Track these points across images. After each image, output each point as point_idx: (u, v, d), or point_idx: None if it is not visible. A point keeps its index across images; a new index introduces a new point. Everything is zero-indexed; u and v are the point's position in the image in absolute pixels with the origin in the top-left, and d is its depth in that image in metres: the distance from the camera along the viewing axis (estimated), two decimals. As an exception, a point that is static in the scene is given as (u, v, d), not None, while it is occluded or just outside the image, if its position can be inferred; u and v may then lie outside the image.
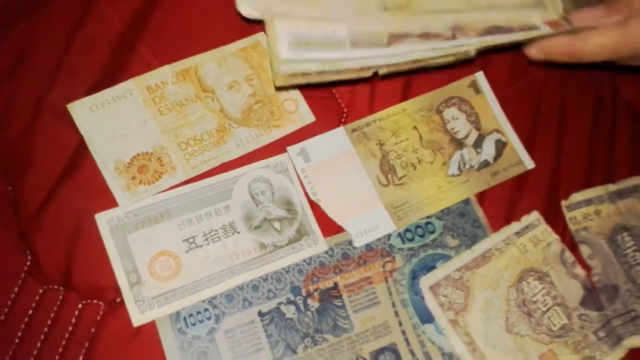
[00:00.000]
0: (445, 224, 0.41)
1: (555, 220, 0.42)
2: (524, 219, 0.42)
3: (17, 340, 0.35)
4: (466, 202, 0.42)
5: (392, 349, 0.38)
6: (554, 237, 0.42)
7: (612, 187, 0.44)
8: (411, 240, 0.40)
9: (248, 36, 0.43)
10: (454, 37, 0.35)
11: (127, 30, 0.41)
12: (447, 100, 0.44)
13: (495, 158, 0.43)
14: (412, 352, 0.38)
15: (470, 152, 0.43)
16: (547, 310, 0.40)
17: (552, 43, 0.39)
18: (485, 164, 0.43)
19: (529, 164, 0.44)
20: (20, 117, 0.39)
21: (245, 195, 0.39)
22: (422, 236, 0.40)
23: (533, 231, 0.42)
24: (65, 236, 0.36)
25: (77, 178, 0.37)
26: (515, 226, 0.42)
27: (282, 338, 0.36)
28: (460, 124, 0.44)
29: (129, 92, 0.39)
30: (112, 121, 0.38)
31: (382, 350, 0.37)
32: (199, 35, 0.42)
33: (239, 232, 0.38)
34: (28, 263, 0.36)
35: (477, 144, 0.43)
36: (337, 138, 0.42)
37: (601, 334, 0.40)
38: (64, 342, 0.35)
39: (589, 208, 0.43)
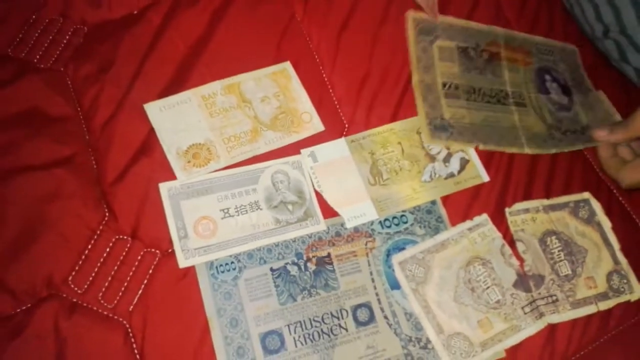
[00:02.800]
0: (415, 217, 0.52)
1: (500, 222, 0.53)
2: (476, 219, 0.53)
3: (91, 277, 0.46)
4: (433, 202, 0.53)
5: (367, 306, 0.49)
6: (497, 234, 0.52)
7: (546, 202, 0.55)
8: (389, 227, 0.52)
9: (277, 64, 0.55)
10: None
11: (190, 52, 0.53)
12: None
13: (459, 171, 0.55)
14: (382, 309, 0.49)
15: (440, 165, 0.55)
16: (487, 288, 0.50)
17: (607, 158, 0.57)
18: (451, 175, 0.55)
19: (485, 178, 0.55)
20: (105, 110, 0.50)
21: (268, 182, 0.50)
22: (397, 225, 0.52)
23: (482, 229, 0.52)
24: (136, 199, 0.48)
25: (147, 158, 0.49)
26: (468, 224, 0.52)
27: (286, 289, 0.47)
28: None
29: (188, 98, 0.51)
30: (175, 119, 0.50)
31: (360, 306, 0.48)
32: (242, 59, 0.54)
33: (261, 209, 0.49)
34: (106, 218, 0.47)
35: (446, 160, 0.55)
36: (339, 146, 0.53)
37: (527, 309, 0.50)
38: (128, 279, 0.46)
39: (526, 215, 0.54)
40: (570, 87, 0.63)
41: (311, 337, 0.47)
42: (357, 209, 0.51)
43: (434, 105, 0.55)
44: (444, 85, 0.57)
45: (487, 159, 0.56)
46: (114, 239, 0.47)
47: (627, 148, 0.57)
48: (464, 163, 0.55)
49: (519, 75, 0.61)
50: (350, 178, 0.53)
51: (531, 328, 0.50)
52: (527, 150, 0.57)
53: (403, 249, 0.51)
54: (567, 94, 0.62)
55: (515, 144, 0.56)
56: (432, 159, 0.55)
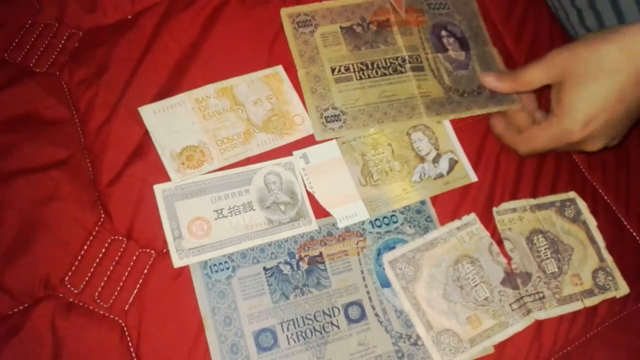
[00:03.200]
0: (405, 217, 0.53)
1: (488, 221, 0.54)
2: (464, 218, 0.54)
3: (87, 277, 0.47)
4: (423, 202, 0.54)
5: (358, 304, 0.50)
6: (485, 233, 0.53)
7: (532, 201, 0.56)
8: (379, 226, 0.53)
9: (270, 67, 0.56)
10: None
11: (183, 56, 0.54)
12: (415, 126, 0.57)
13: (448, 172, 0.56)
14: (373, 307, 0.50)
15: (429, 166, 0.56)
16: (475, 285, 0.51)
17: (500, 132, 0.57)
18: (440, 176, 0.56)
19: (473, 178, 0.56)
20: (101, 113, 0.51)
21: (261, 183, 0.51)
22: (387, 224, 0.53)
23: (470, 228, 0.53)
24: (131, 200, 0.49)
25: (142, 160, 0.50)
26: (457, 223, 0.53)
27: (279, 287, 0.48)
28: (423, 145, 0.57)
29: (182, 101, 0.53)
30: (169, 122, 0.51)
31: (351, 304, 0.49)
32: (235, 63, 0.55)
33: (254, 209, 0.50)
34: (101, 219, 0.48)
35: (435, 160, 0.56)
36: (330, 148, 0.55)
37: (514, 306, 0.51)
38: (123, 279, 0.47)
39: (513, 214, 0.55)
40: (468, 40, 0.62)
41: (304, 334, 0.48)
42: (349, 209, 0.53)
43: (323, 95, 0.55)
44: (333, 70, 0.57)
45: (476, 159, 0.57)
46: (109, 240, 0.48)
47: (522, 113, 0.57)
48: (453, 163, 0.57)
49: (413, 37, 0.60)
50: (341, 179, 0.54)
51: (519, 324, 0.51)
52: (425, 120, 0.57)
53: (393, 248, 0.52)
54: (464, 48, 0.61)
55: (414, 115, 0.56)
56: (422, 159, 0.56)
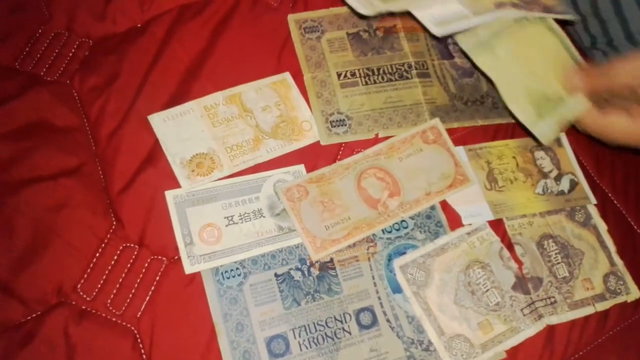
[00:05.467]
0: (415, 222, 0.53)
1: (498, 226, 0.54)
2: (474, 224, 0.54)
3: (100, 284, 0.47)
4: (433, 207, 0.54)
5: (369, 309, 0.50)
6: (495, 238, 0.53)
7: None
8: (389, 232, 0.53)
9: (277, 74, 0.56)
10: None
11: (192, 63, 0.55)
12: (538, 145, 0.59)
13: (569, 191, 0.58)
14: (384, 313, 0.50)
15: (552, 182, 0.57)
16: (486, 290, 0.51)
17: (586, 121, 0.51)
18: (562, 193, 0.57)
19: (593, 200, 0.58)
20: (112, 121, 0.52)
21: (270, 191, 0.52)
22: (398, 230, 0.53)
23: (480, 233, 0.53)
24: (142, 207, 0.49)
25: (153, 167, 0.50)
26: (467, 228, 0.53)
27: (290, 293, 0.48)
28: (546, 163, 0.58)
29: (191, 109, 0.53)
30: (179, 129, 0.52)
31: (362, 310, 0.49)
32: (243, 70, 0.55)
33: (264, 217, 0.51)
34: (113, 226, 0.49)
35: (557, 179, 0.58)
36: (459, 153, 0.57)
37: (526, 311, 0.51)
38: (135, 286, 0.47)
39: (523, 220, 0.55)
40: None
41: (315, 340, 0.48)
42: (474, 208, 0.54)
43: (329, 100, 0.56)
44: (339, 75, 0.57)
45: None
46: (121, 247, 0.48)
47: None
48: (574, 184, 0.58)
49: (420, 44, 0.60)
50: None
51: (530, 329, 0.51)
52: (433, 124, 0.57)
53: (404, 253, 0.52)
54: None
55: (418, 122, 0.57)
56: (545, 175, 0.58)
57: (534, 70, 0.52)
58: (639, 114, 0.48)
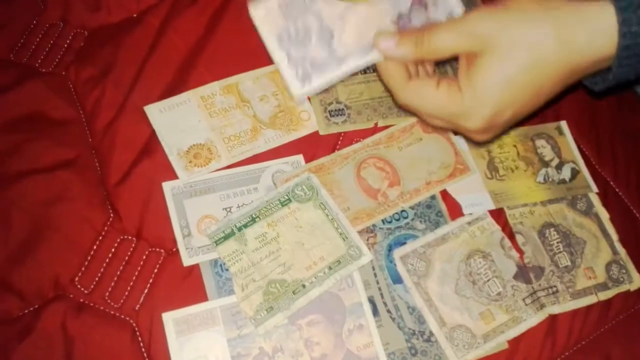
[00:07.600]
0: (415, 212, 0.53)
1: (499, 215, 0.54)
2: (475, 213, 0.53)
3: (97, 277, 0.47)
4: (433, 197, 0.54)
5: (370, 300, 0.49)
6: (496, 227, 0.53)
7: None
8: (389, 222, 0.52)
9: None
10: None
11: (189, 53, 0.54)
12: (539, 134, 0.59)
13: (570, 179, 0.57)
14: (385, 304, 0.49)
15: (553, 171, 0.57)
16: (488, 280, 0.51)
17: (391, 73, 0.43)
18: (563, 182, 0.57)
19: (594, 189, 0.57)
20: (108, 112, 0.51)
21: (269, 181, 0.51)
22: (398, 220, 0.52)
23: (481, 222, 0.53)
24: (140, 199, 0.49)
25: (150, 159, 0.50)
26: (468, 217, 0.53)
27: None
28: (546, 151, 0.58)
29: (188, 99, 0.52)
30: (175, 120, 0.51)
31: None
32: (240, 60, 0.55)
33: (263, 207, 0.51)
34: (110, 219, 0.48)
35: (558, 167, 0.57)
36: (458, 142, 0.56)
37: (528, 301, 0.51)
38: (134, 279, 0.47)
39: (524, 209, 0.55)
40: None
41: (315, 332, 0.47)
42: (475, 198, 0.54)
43: (327, 89, 0.52)
44: None
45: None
46: (119, 239, 0.48)
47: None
48: (575, 173, 0.58)
49: None
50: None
51: (532, 319, 0.50)
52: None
53: (404, 243, 0.52)
54: None
55: None
56: (546, 164, 0.57)
57: None
58: (448, 84, 0.42)
